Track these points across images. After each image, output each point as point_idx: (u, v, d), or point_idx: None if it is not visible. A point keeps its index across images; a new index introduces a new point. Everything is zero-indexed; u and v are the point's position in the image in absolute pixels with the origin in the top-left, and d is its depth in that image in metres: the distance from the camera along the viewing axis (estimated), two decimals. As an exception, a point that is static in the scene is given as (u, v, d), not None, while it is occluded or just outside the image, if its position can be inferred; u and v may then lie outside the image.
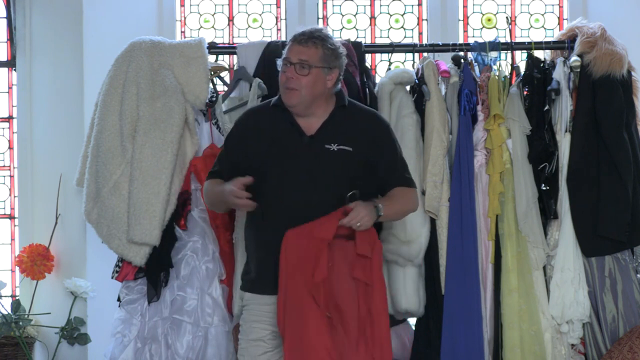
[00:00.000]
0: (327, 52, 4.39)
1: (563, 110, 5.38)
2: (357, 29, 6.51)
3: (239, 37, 6.47)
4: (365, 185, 4.44)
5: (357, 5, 6.51)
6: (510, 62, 5.54)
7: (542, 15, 6.53)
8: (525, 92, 5.45)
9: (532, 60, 5.45)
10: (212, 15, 6.49)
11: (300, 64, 4.37)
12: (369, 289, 4.32)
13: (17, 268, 6.12)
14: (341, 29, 6.49)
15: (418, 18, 6.50)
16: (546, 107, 5.36)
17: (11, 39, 6.24)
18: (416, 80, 5.41)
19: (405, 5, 6.51)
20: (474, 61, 5.49)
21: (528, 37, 6.49)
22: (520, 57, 5.88)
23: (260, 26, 6.48)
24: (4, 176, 6.35)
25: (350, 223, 4.27)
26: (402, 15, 6.52)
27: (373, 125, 4.50)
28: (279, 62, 4.45)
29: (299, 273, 4.25)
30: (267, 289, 4.39)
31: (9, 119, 6.35)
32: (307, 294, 4.24)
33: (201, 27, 6.48)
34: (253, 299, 4.47)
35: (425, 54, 5.59)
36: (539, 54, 5.56)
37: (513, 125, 5.34)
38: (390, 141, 4.51)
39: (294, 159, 4.39)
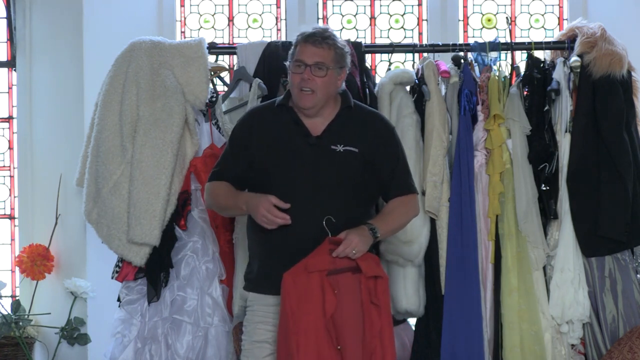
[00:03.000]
0: (338, 52, 4.38)
1: (563, 110, 5.38)
2: (357, 29, 6.52)
3: (239, 37, 6.48)
4: (368, 186, 4.44)
5: (357, 5, 6.51)
6: (510, 62, 5.53)
7: (542, 15, 6.54)
8: (525, 92, 5.45)
9: (532, 61, 5.45)
10: (212, 15, 6.50)
11: (316, 66, 4.35)
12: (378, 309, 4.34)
13: (17, 268, 6.13)
14: (341, 29, 6.49)
15: (418, 18, 6.50)
16: (546, 107, 5.36)
17: (11, 39, 6.25)
18: (416, 81, 5.41)
19: (405, 5, 6.51)
20: (474, 61, 5.49)
21: (528, 37, 6.50)
22: (520, 57, 5.88)
23: (260, 26, 6.48)
24: (4, 176, 6.35)
25: (345, 252, 4.26)
26: (402, 15, 6.52)
27: (378, 127, 4.49)
28: (288, 63, 4.42)
29: (306, 312, 4.24)
30: (271, 289, 4.37)
31: (9, 119, 6.35)
32: (319, 331, 4.23)
33: (201, 27, 6.48)
34: (257, 300, 4.45)
35: (425, 54, 5.59)
36: (539, 54, 5.56)
37: (513, 125, 5.34)
38: (394, 144, 4.50)
39: (299, 159, 4.38)
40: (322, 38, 4.36)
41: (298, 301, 4.23)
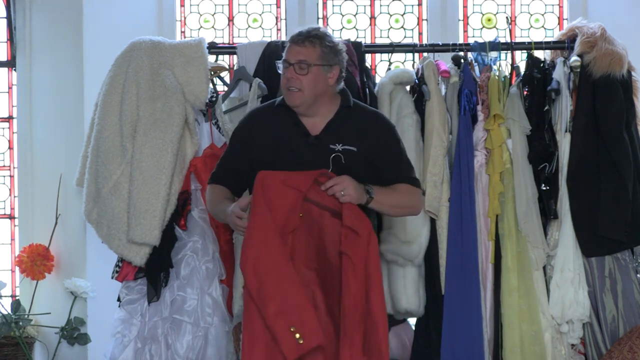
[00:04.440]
0: (325, 50, 4.39)
1: (563, 110, 5.38)
2: (357, 29, 6.51)
3: (239, 37, 6.48)
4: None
5: (357, 5, 6.51)
6: (510, 62, 5.54)
7: (542, 15, 6.54)
8: (525, 92, 5.45)
9: (532, 60, 5.45)
10: (212, 15, 6.50)
11: (298, 64, 4.37)
12: (351, 271, 4.28)
13: (17, 268, 6.12)
14: (341, 29, 6.49)
15: (418, 18, 6.50)
16: (546, 107, 5.36)
17: (11, 39, 6.25)
18: (416, 80, 5.41)
19: (405, 5, 6.51)
20: (474, 61, 5.49)
21: (528, 37, 6.49)
22: (520, 57, 5.88)
23: (260, 26, 6.48)
24: (4, 176, 6.35)
25: (334, 189, 4.25)
26: (402, 15, 6.52)
27: (378, 126, 4.49)
28: (279, 64, 4.45)
29: (269, 214, 4.22)
30: None
31: (9, 119, 6.35)
32: (275, 239, 4.20)
33: (201, 27, 6.48)
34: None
35: (425, 54, 5.59)
36: (539, 54, 5.56)
37: (513, 125, 5.34)
38: (394, 142, 4.51)
39: (299, 159, 4.38)
40: (305, 37, 4.39)
41: (266, 200, 4.21)
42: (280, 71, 4.44)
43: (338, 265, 4.22)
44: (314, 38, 4.39)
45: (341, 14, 6.51)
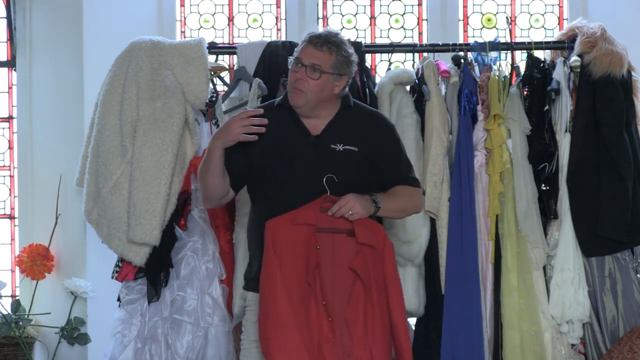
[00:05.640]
0: (340, 59, 4.37)
1: (563, 110, 5.38)
2: (357, 29, 6.52)
3: (239, 37, 6.48)
4: (370, 185, 4.44)
5: (357, 5, 6.51)
6: (510, 62, 5.54)
7: (542, 15, 6.54)
8: (525, 92, 5.45)
9: (532, 60, 5.45)
10: (212, 15, 6.50)
11: (312, 67, 4.35)
12: (368, 286, 4.30)
13: (17, 268, 6.12)
14: (341, 29, 6.49)
15: (418, 18, 6.50)
16: (546, 107, 5.36)
17: (11, 39, 6.25)
18: (416, 80, 5.41)
19: (405, 5, 6.51)
20: (474, 61, 5.49)
21: (528, 37, 6.50)
22: (520, 57, 5.88)
23: (260, 26, 6.49)
24: (4, 176, 6.35)
25: (341, 212, 4.26)
26: (402, 15, 6.52)
27: (378, 126, 4.50)
28: (291, 60, 4.43)
29: (287, 262, 4.23)
30: None
31: (9, 119, 6.35)
32: (300, 282, 4.22)
33: (201, 27, 6.48)
34: (256, 299, 4.45)
35: (425, 54, 5.59)
36: (539, 54, 5.56)
37: (513, 125, 5.34)
38: (394, 141, 4.51)
39: (299, 159, 4.38)
40: (324, 41, 4.36)
41: (281, 250, 4.22)
42: (289, 67, 4.42)
43: (348, 286, 4.27)
44: (332, 45, 4.36)
45: (341, 14, 6.51)
